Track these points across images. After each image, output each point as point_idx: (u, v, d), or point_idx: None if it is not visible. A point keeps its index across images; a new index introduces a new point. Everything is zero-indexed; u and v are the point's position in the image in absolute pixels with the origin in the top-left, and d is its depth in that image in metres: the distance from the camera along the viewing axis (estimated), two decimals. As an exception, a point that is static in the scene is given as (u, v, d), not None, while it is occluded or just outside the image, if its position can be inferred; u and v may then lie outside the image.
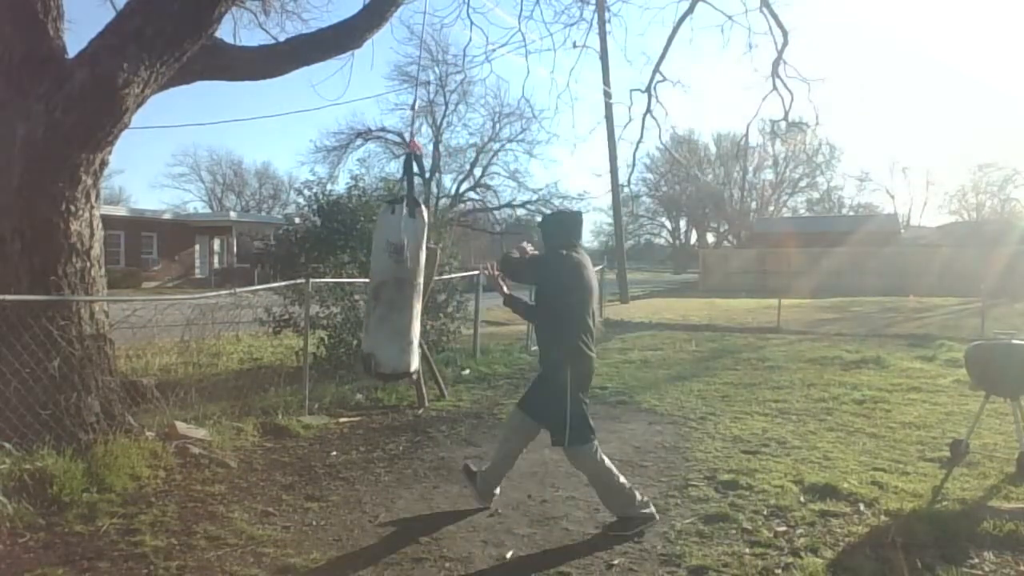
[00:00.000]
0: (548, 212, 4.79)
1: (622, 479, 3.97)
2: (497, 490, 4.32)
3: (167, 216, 36.21)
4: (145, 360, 8.00)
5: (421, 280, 4.03)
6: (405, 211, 3.95)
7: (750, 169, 56.28)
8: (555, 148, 74.83)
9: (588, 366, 3.99)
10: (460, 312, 9.65)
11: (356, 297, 8.30)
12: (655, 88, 15.68)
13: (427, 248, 4.35)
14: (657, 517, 3.95)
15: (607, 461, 3.99)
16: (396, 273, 3.90)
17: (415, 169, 4.33)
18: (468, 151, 46.19)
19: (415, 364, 4.08)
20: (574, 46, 13.53)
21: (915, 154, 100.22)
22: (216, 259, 36.86)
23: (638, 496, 3.96)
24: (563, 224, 4.23)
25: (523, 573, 3.43)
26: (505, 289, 4.39)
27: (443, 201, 44.95)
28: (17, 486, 4.00)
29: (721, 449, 5.49)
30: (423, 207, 4.13)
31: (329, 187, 10.01)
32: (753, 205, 58.52)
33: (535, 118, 41.09)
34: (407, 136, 44.74)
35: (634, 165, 21.21)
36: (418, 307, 4.05)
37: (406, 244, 3.88)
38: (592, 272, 4.13)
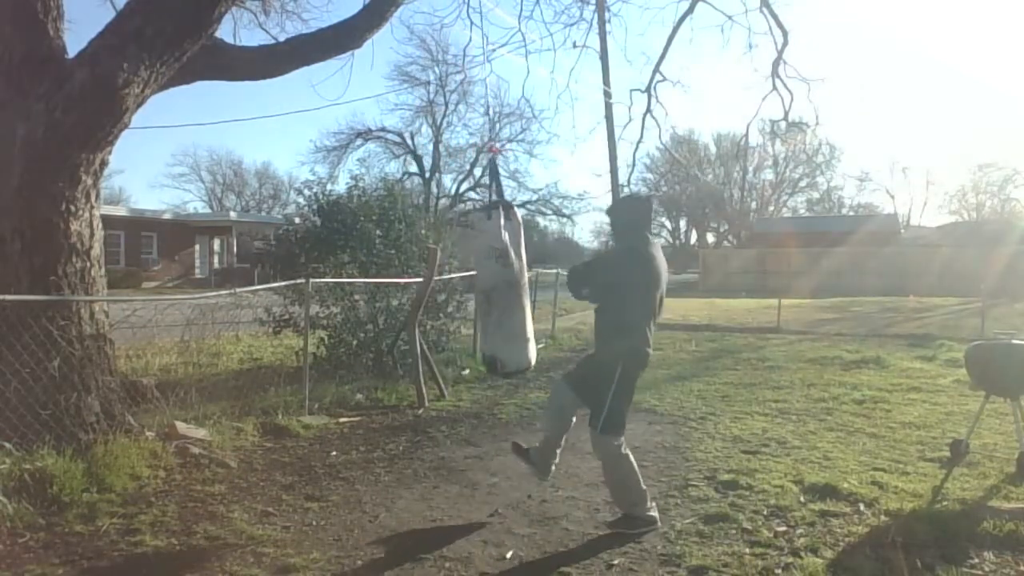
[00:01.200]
0: (620, 197, 4.85)
1: (639, 478, 3.98)
2: (554, 465, 4.33)
3: (167, 216, 36.21)
4: (145, 360, 8.00)
5: (526, 279, 4.20)
6: (503, 215, 4.06)
7: (750, 169, 56.33)
8: (555, 148, 74.85)
9: (643, 363, 4.01)
10: (460, 312, 9.65)
11: (356, 297, 8.30)
12: (655, 88, 15.67)
13: (429, 248, 4.42)
14: (659, 524, 3.92)
15: (631, 457, 4.00)
16: (505, 277, 4.07)
17: (497, 172, 4.49)
18: (468, 151, 46.24)
19: (534, 358, 4.28)
20: (574, 46, 13.53)
21: (915, 154, 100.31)
22: (216, 259, 36.86)
23: (648, 500, 3.98)
24: (633, 212, 4.12)
25: (523, 573, 3.43)
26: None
27: (443, 201, 44.99)
28: (17, 486, 4.00)
29: (721, 449, 5.49)
30: (514, 208, 4.24)
31: (329, 187, 10.02)
32: (753, 205, 58.56)
33: (535, 118, 41.15)
34: (408, 137, 44.81)
35: (634, 165, 21.09)
36: (528, 305, 4.22)
37: (510, 247, 4.01)
38: (662, 265, 4.01)
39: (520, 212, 4.36)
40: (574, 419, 4.24)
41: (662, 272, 3.98)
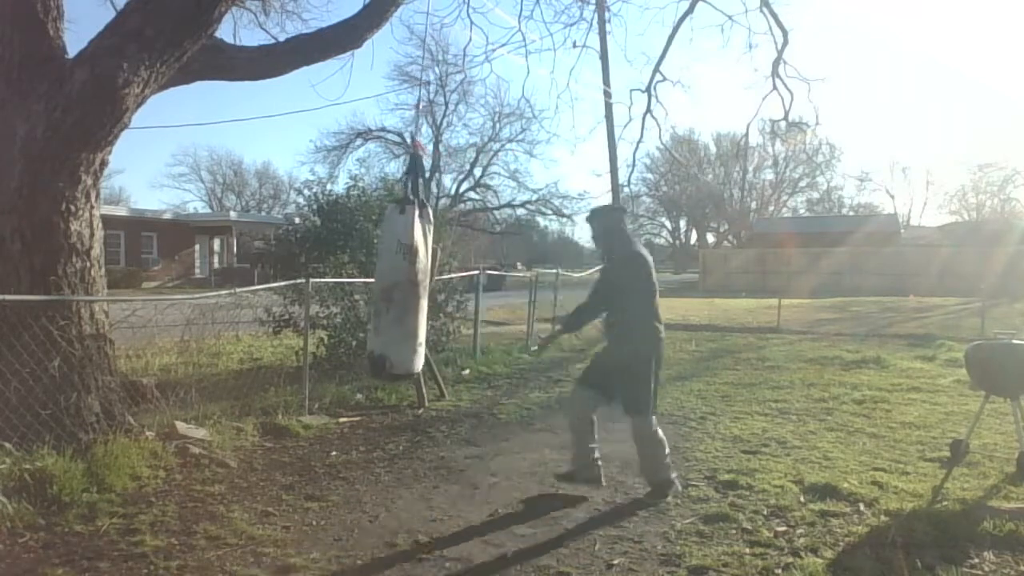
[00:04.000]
0: (600, 207, 5.10)
1: (667, 451, 4.49)
2: (599, 468, 4.54)
3: (167, 216, 36.21)
4: (145, 360, 7.99)
5: (428, 281, 4.04)
6: (416, 212, 3.93)
7: (750, 169, 56.27)
8: (555, 148, 74.94)
9: (663, 347, 4.58)
10: (460, 312, 9.65)
11: (356, 297, 8.30)
12: (655, 88, 15.65)
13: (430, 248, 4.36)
14: (680, 487, 4.42)
15: (660, 432, 4.48)
16: (408, 275, 3.88)
17: (418, 168, 4.33)
18: (468, 151, 46.24)
19: (421, 364, 4.14)
20: (574, 46, 13.51)
21: (915, 154, 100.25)
22: (216, 259, 36.86)
23: (672, 469, 4.51)
24: (610, 219, 4.67)
25: (523, 573, 3.43)
26: (556, 327, 4.80)
27: (443, 201, 44.98)
28: (17, 486, 4.00)
29: (721, 449, 5.49)
30: (428, 207, 4.12)
31: (329, 187, 10.03)
32: (753, 205, 58.53)
33: (535, 118, 41.17)
34: (408, 137, 44.84)
35: (634, 165, 21.08)
36: (425, 308, 4.06)
37: (418, 244, 3.87)
38: (651, 258, 4.59)
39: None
40: (595, 417, 4.61)
41: (653, 264, 4.57)
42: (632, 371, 4.40)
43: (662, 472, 4.42)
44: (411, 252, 3.86)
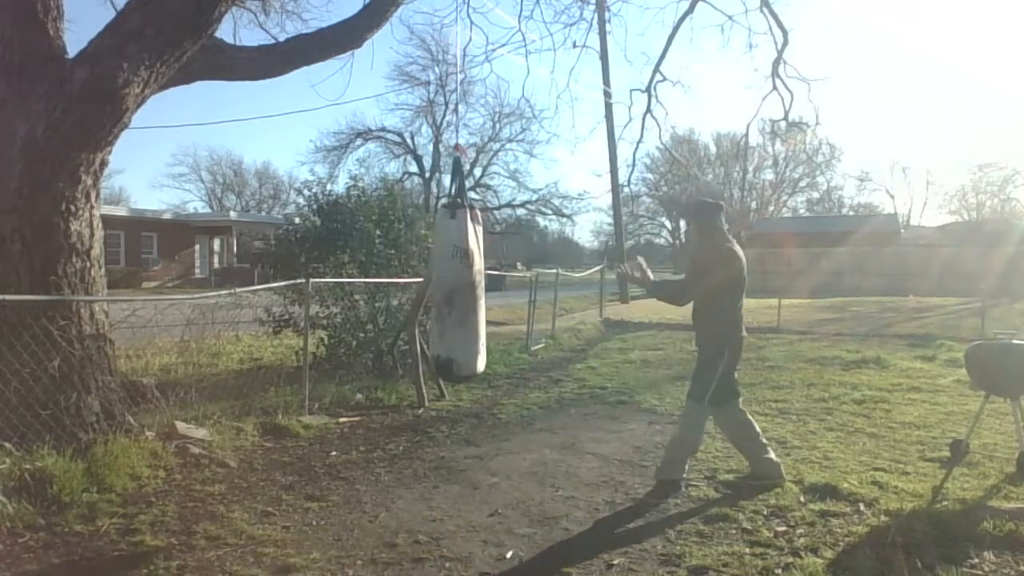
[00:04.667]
0: (698, 201, 5.17)
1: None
2: (778, 462, 4.69)
3: (167, 216, 36.21)
4: (145, 360, 7.99)
5: (484, 282, 4.15)
6: (468, 215, 3.99)
7: (750, 169, 56.29)
8: (555, 148, 74.95)
9: (741, 344, 4.73)
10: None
11: (356, 297, 8.30)
12: (655, 88, 15.65)
13: (429, 248, 4.40)
14: (683, 488, 4.52)
15: (702, 432, 4.75)
16: (466, 278, 3.96)
17: (462, 172, 4.40)
18: (468, 151, 46.18)
19: (484, 364, 4.26)
20: (574, 46, 13.49)
21: (915, 154, 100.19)
22: (216, 259, 36.87)
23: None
24: (720, 216, 4.77)
25: (523, 573, 3.43)
26: (650, 275, 4.86)
27: (443, 201, 44.96)
28: (17, 486, 4.00)
29: (721, 449, 5.49)
30: (477, 210, 4.19)
31: (329, 187, 10.01)
32: (753, 205, 58.54)
33: (535, 118, 41.17)
34: (408, 137, 44.79)
35: (634, 165, 21.12)
36: (484, 308, 4.16)
37: (472, 247, 3.94)
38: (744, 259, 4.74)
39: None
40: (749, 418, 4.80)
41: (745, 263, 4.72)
42: (707, 360, 4.62)
43: (675, 471, 4.60)
44: (467, 255, 3.95)
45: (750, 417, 4.76)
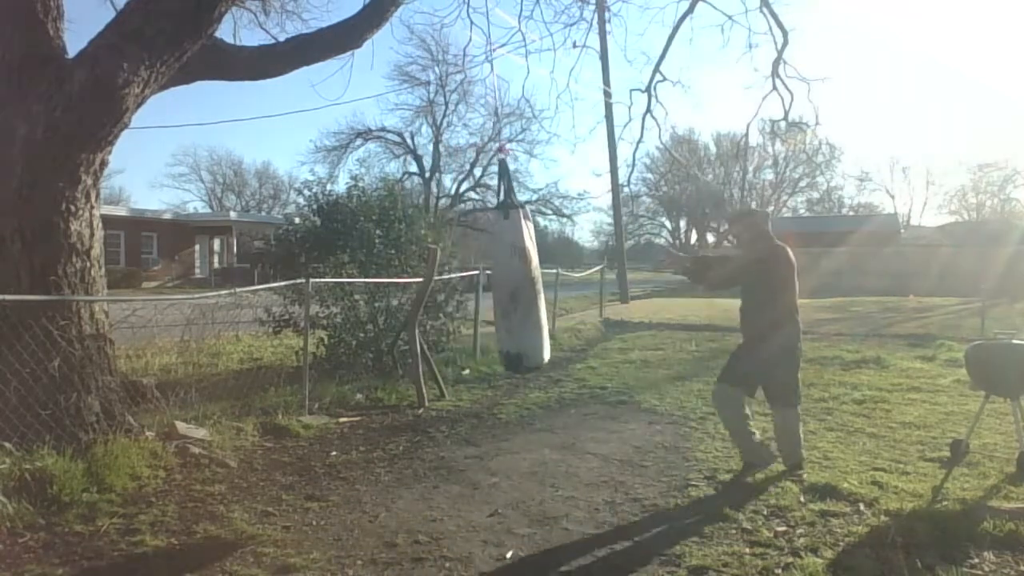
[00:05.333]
0: (745, 210, 5.45)
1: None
2: (768, 451, 4.94)
3: (167, 216, 36.21)
4: (145, 360, 8.00)
5: (541, 278, 4.35)
6: (521, 214, 4.14)
7: (750, 169, 56.26)
8: (555, 148, 74.85)
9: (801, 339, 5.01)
10: (460, 312, 9.65)
11: (356, 297, 8.30)
12: (655, 88, 15.59)
13: (429, 248, 4.50)
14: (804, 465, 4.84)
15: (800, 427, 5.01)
16: (526, 275, 4.16)
17: (508, 172, 4.58)
18: (468, 151, 46.18)
19: (549, 355, 4.45)
20: (574, 46, 13.46)
21: (915, 154, 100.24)
22: (216, 259, 36.87)
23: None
24: (767, 222, 5.10)
25: (523, 573, 3.43)
26: (689, 265, 5.23)
27: (443, 201, 44.96)
28: (17, 486, 4.00)
29: (721, 449, 5.50)
30: (527, 208, 4.34)
31: (329, 187, 10.02)
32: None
33: (535, 118, 41.11)
34: (409, 137, 44.79)
35: (634, 165, 21.07)
36: (543, 302, 4.36)
37: (528, 246, 4.09)
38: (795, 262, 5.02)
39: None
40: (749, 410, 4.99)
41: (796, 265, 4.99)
42: (784, 363, 4.85)
43: (798, 454, 4.89)
44: (524, 253, 4.10)
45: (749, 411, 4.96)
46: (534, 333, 4.21)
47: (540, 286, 4.29)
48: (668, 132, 32.89)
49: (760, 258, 4.88)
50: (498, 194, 4.37)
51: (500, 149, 4.62)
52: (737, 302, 5.15)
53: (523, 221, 4.17)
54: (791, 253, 4.94)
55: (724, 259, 5.40)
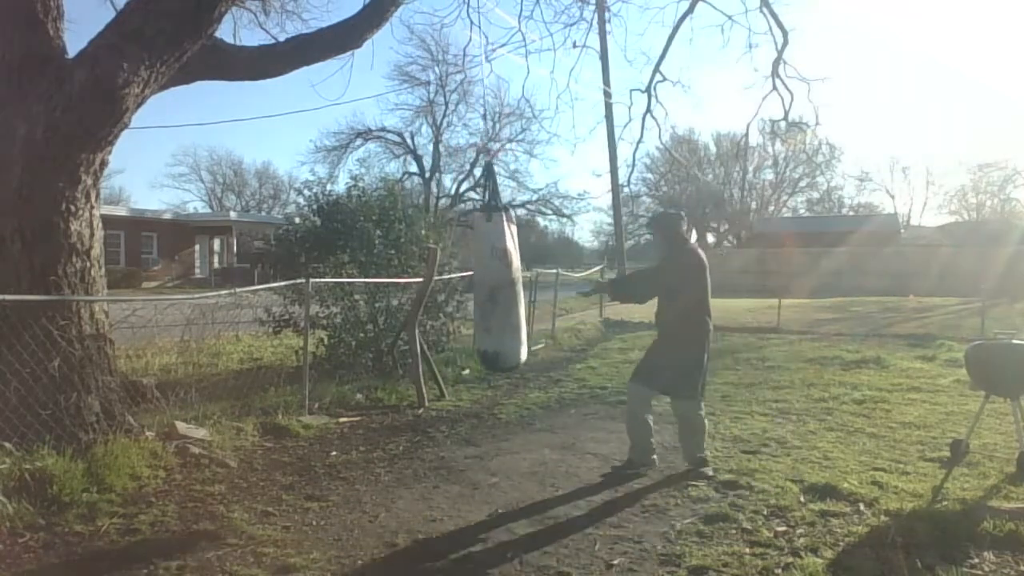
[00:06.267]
0: (660, 213, 5.71)
1: (706, 434, 5.05)
2: (654, 456, 5.03)
3: (167, 216, 36.21)
4: (145, 360, 8.00)
5: (522, 279, 4.38)
6: (503, 217, 4.20)
7: (750, 169, 56.22)
8: (555, 148, 74.73)
9: (711, 340, 5.03)
10: (460, 312, 9.65)
11: (356, 297, 8.30)
12: (655, 88, 15.58)
13: (429, 248, 4.55)
14: (710, 463, 4.90)
15: (704, 417, 5.09)
16: (507, 276, 4.21)
17: (494, 175, 4.66)
18: (468, 151, 46.17)
19: (526, 355, 4.56)
20: (574, 46, 13.45)
21: (915, 154, 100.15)
22: (216, 259, 36.86)
23: (706, 449, 5.04)
24: (681, 224, 5.15)
25: (523, 573, 3.43)
26: (604, 282, 5.39)
27: (443, 201, 44.93)
28: (17, 486, 4.00)
29: (721, 449, 5.50)
30: (511, 211, 4.40)
31: (329, 187, 10.02)
32: (753, 205, 58.51)
33: (535, 118, 41.07)
34: (409, 137, 44.75)
35: (634, 165, 21.05)
36: (523, 303, 4.39)
37: (509, 247, 4.13)
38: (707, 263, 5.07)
39: (520, 212, 4.50)
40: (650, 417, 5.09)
41: (707, 266, 5.02)
42: (686, 362, 4.89)
43: (699, 449, 4.93)
44: (505, 255, 4.15)
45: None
46: (512, 333, 4.30)
47: (520, 288, 4.38)
48: (668, 132, 32.86)
49: (670, 259, 4.99)
50: (483, 196, 4.44)
51: (487, 152, 4.71)
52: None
53: (506, 224, 4.25)
54: (702, 254, 5.05)
55: (640, 273, 5.52)
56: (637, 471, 4.90)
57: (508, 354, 4.32)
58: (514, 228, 4.36)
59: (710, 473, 4.79)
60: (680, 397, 4.96)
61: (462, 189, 46.84)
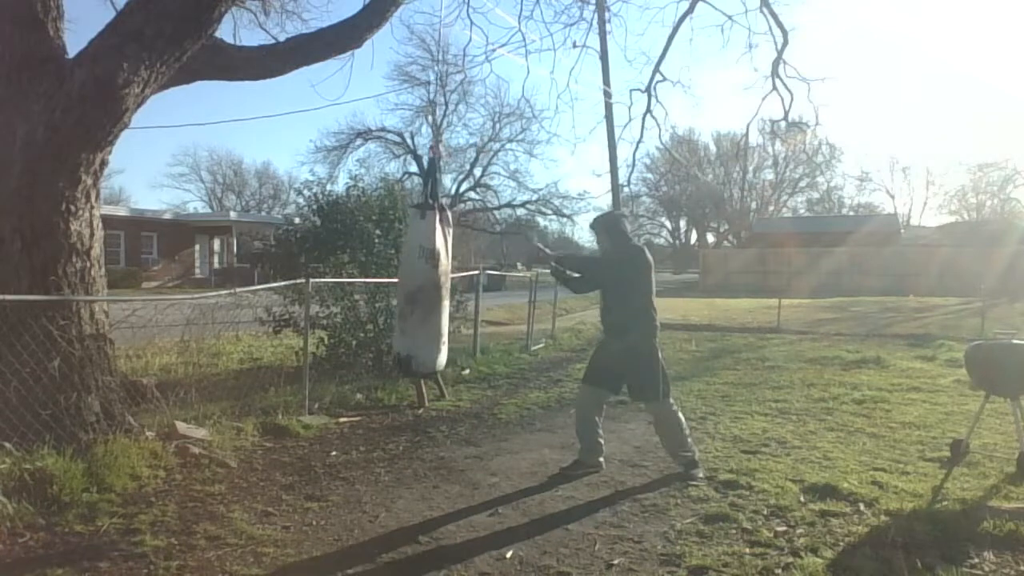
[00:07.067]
0: (602, 214, 5.54)
1: (686, 431, 4.93)
2: (602, 459, 4.98)
3: (167, 216, 36.19)
4: (145, 360, 8.00)
5: (449, 282, 4.16)
6: (437, 216, 4.02)
7: (750, 169, 56.33)
8: (555, 148, 74.79)
9: (658, 337, 4.97)
10: (460, 312, 9.65)
11: (356, 297, 8.30)
12: (655, 88, 15.63)
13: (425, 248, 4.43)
14: (699, 464, 4.82)
15: (679, 413, 4.96)
16: (431, 278, 4.00)
17: (436, 172, 4.45)
18: (468, 151, 46.18)
19: (444, 362, 4.39)
20: (574, 46, 13.49)
21: (915, 154, 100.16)
22: (216, 259, 36.85)
23: (691, 445, 4.93)
24: (623, 222, 5.19)
25: (523, 573, 3.43)
26: (550, 253, 5.09)
27: (443, 201, 44.89)
28: (17, 486, 4.00)
29: (721, 449, 5.50)
30: (448, 210, 4.20)
31: (329, 187, 10.02)
32: (753, 205, 58.58)
33: (535, 118, 41.09)
34: (409, 137, 44.75)
35: (634, 165, 21.05)
36: (447, 309, 4.17)
37: (439, 249, 3.96)
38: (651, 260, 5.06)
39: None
40: (600, 418, 5.03)
41: (652, 263, 5.01)
42: (641, 361, 4.79)
43: (683, 447, 4.85)
44: (433, 256, 3.99)
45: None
46: (429, 338, 4.09)
47: (446, 292, 4.18)
48: (668, 132, 32.95)
49: (616, 258, 4.94)
50: (423, 192, 4.28)
51: (431, 149, 4.57)
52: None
53: (439, 223, 4.06)
54: (647, 253, 5.01)
55: (585, 261, 5.46)
56: (586, 471, 4.86)
57: (423, 359, 4.12)
58: (450, 230, 4.16)
59: (700, 475, 4.73)
60: (646, 399, 4.92)
61: (462, 189, 46.92)
